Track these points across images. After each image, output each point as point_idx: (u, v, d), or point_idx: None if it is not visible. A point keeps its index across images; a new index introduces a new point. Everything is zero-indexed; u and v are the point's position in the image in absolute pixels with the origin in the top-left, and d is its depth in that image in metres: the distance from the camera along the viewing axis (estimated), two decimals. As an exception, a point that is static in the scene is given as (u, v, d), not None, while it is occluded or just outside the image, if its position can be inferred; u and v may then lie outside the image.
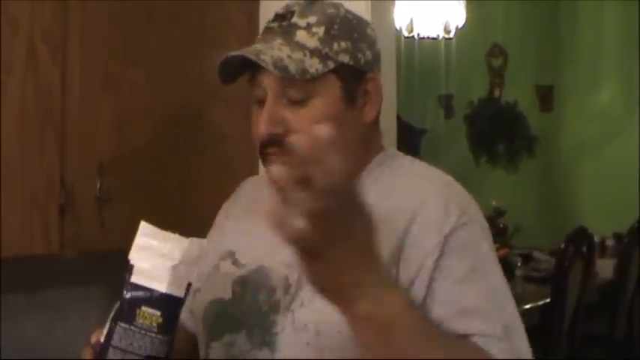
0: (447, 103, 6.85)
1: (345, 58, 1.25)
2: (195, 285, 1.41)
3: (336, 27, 1.26)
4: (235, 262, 1.35)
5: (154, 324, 1.12)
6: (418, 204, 1.21)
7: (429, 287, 1.17)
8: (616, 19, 6.02)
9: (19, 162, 1.69)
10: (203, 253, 1.22)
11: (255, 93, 1.29)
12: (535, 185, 6.32)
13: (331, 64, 1.24)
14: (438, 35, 4.98)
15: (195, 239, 1.19)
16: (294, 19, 1.26)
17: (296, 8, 1.27)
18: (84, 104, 1.79)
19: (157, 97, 1.94)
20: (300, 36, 1.25)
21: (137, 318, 1.11)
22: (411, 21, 4.86)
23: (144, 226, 1.20)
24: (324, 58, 1.24)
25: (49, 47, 1.73)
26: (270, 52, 1.23)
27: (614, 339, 4.61)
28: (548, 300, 3.80)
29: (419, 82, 6.57)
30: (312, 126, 1.17)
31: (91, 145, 1.80)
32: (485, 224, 1.27)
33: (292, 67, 1.21)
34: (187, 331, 1.45)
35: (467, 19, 4.96)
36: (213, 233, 1.48)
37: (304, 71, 1.22)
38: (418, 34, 4.95)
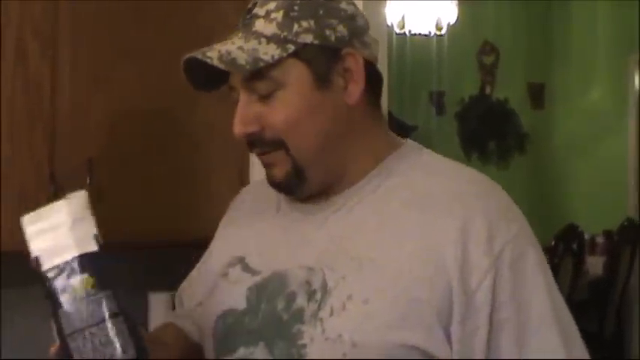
0: (438, 100, 6.85)
1: (307, 38, 1.13)
2: (198, 298, 1.33)
3: (296, 8, 1.14)
4: (246, 269, 1.21)
5: (89, 287, 1.03)
6: (461, 225, 1.09)
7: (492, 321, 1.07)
8: (607, 17, 6.04)
9: (9, 157, 1.69)
10: (88, 206, 1.11)
11: (232, 95, 1.20)
12: (526, 182, 6.33)
13: (291, 47, 1.13)
14: (430, 32, 4.99)
15: (73, 194, 1.10)
16: (255, 10, 1.17)
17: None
18: (74, 100, 1.79)
19: (147, 93, 1.93)
20: (259, 25, 1.15)
21: (72, 292, 1.02)
22: (403, 17, 4.87)
23: (25, 220, 1.09)
24: (282, 42, 1.13)
25: (39, 43, 1.73)
26: (220, 47, 1.15)
27: (603, 336, 4.63)
28: (538, 297, 3.81)
29: (410, 78, 6.57)
30: (284, 118, 1.14)
31: (81, 140, 1.80)
32: (528, 226, 1.17)
33: (242, 59, 1.12)
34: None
35: (459, 16, 4.97)
36: (216, 244, 1.36)
37: (256, 60, 1.12)
38: (410, 31, 4.95)
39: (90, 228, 1.08)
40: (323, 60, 1.15)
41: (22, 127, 1.71)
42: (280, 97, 1.14)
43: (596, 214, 5.62)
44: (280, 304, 1.13)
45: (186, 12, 2.03)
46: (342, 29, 1.16)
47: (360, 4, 1.93)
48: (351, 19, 1.18)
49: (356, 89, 1.16)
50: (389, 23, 4.71)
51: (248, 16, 1.17)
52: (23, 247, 1.08)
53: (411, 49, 6.13)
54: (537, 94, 6.36)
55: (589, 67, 6.10)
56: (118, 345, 1.02)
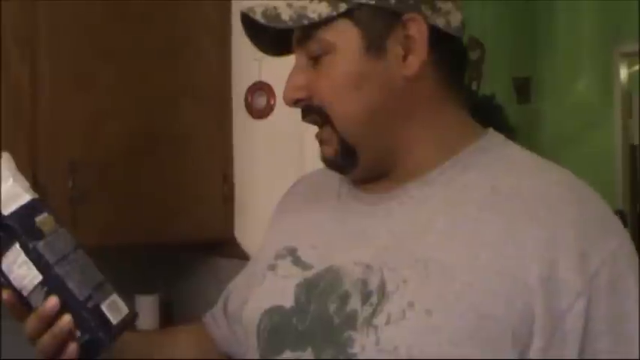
0: (424, 97, 6.86)
1: None
2: (235, 292, 1.27)
3: None
4: (297, 262, 1.09)
5: (54, 222, 1.06)
6: (548, 235, 0.93)
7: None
8: (592, 10, 6.05)
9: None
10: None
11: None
12: (514, 177, 6.34)
13: (343, 6, 0.99)
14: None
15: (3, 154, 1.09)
16: None
17: None
18: (55, 103, 1.77)
19: (128, 95, 1.92)
20: None
21: (42, 228, 1.05)
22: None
23: None
24: (335, 0, 1.00)
25: (18, 46, 1.71)
26: (269, 3, 1.02)
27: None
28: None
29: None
30: (329, 86, 1.01)
31: (63, 143, 1.78)
32: (630, 240, 0.99)
33: (286, 14, 1.00)
34: (199, 336, 1.32)
35: (443, 12, 4.95)
36: (267, 235, 1.23)
37: (301, 17, 1.00)
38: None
39: (25, 181, 1.08)
40: (379, 24, 1.00)
41: (3, 130, 1.69)
42: (328, 62, 1.02)
43: (585, 207, 5.63)
44: (332, 305, 1.00)
45: (166, 14, 2.01)
46: None
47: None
48: None
49: (415, 61, 1.00)
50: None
51: None
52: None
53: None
54: (523, 89, 6.37)
55: (575, 61, 6.11)
56: (94, 267, 1.08)
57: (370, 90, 1.01)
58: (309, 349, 0.99)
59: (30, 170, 1.72)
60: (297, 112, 1.07)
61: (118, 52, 1.91)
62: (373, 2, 0.99)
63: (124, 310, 1.10)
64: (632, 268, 0.95)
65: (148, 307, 2.18)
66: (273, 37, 1.05)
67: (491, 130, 1.10)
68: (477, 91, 6.58)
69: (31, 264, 1.03)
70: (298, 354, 1.00)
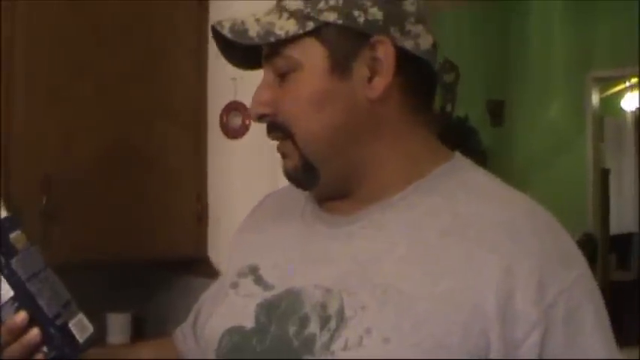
0: (399, 118, 6.90)
1: (331, 17, 0.99)
2: (204, 307, 1.25)
3: None
4: (259, 281, 1.08)
5: (25, 240, 1.08)
6: (507, 265, 0.92)
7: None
8: (565, 36, 6.14)
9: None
10: None
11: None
12: (486, 199, 6.38)
13: (310, 25, 0.99)
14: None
15: None
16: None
17: None
18: (29, 117, 1.76)
19: (103, 110, 1.91)
20: (288, 0, 1.03)
21: (16, 245, 1.06)
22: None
23: None
24: (302, 18, 1.00)
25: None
26: (238, 18, 1.03)
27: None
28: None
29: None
30: (293, 103, 1.01)
31: (37, 159, 1.77)
32: (590, 272, 0.99)
33: (253, 31, 1.00)
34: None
35: (418, 34, 4.99)
36: (233, 250, 1.22)
37: (268, 34, 1.00)
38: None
39: None
40: (346, 44, 1.00)
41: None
42: (293, 80, 1.02)
43: (556, 229, 5.68)
44: (292, 328, 0.98)
45: (142, 32, 2.01)
46: (375, 12, 1.00)
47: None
48: (392, 2, 1.01)
49: (380, 83, 1.00)
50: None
51: None
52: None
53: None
54: (497, 112, 6.42)
55: (547, 85, 6.18)
56: (63, 286, 1.10)
57: (334, 110, 1.01)
58: None
59: (3, 186, 1.71)
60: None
61: (93, 68, 1.91)
62: (340, 22, 0.99)
63: (90, 329, 1.12)
64: (591, 299, 0.95)
65: (120, 324, 2.17)
66: (244, 51, 1.04)
67: (457, 154, 1.10)
68: (452, 113, 6.64)
69: (3, 279, 1.03)
70: None
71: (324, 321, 0.96)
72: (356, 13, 0.99)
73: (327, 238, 1.05)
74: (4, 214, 1.07)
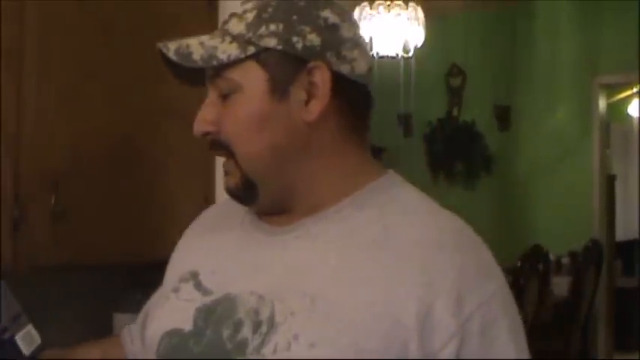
0: (406, 122, 6.90)
1: (270, 43, 1.05)
2: (147, 310, 1.32)
3: (270, 9, 1.07)
4: (198, 287, 1.14)
5: None
6: (429, 280, 0.99)
7: None
8: (571, 41, 6.14)
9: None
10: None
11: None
12: (492, 203, 6.38)
13: (251, 50, 1.05)
14: (398, 54, 5.02)
15: None
16: (237, 9, 1.11)
17: None
18: (39, 118, 1.77)
19: (112, 111, 1.92)
20: (231, 23, 1.09)
21: None
22: (371, 40, 4.90)
23: None
24: (244, 43, 1.06)
25: (5, 60, 1.71)
26: (185, 40, 1.10)
27: (568, 356, 4.66)
28: (504, 317, 3.83)
29: (378, 100, 6.58)
30: (234, 124, 1.07)
31: (46, 159, 1.78)
32: (507, 287, 1.07)
33: (197, 54, 1.07)
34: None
35: (426, 39, 5.01)
36: (174, 256, 1.29)
37: (211, 57, 1.06)
38: (377, 53, 4.98)
39: None
40: (285, 68, 1.06)
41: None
42: (235, 101, 1.08)
43: (562, 235, 5.67)
44: (226, 332, 1.05)
45: (151, 32, 2.01)
46: (313, 38, 1.06)
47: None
48: (329, 29, 1.07)
49: (317, 106, 1.06)
50: (357, 45, 4.73)
51: (230, 16, 1.11)
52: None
53: (378, 71, 6.15)
54: (503, 117, 6.43)
55: (554, 90, 6.18)
56: (13, 299, 1.13)
57: (272, 131, 1.07)
58: None
59: (12, 185, 1.72)
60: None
61: (102, 68, 1.91)
62: (280, 48, 1.05)
63: (37, 340, 1.12)
64: (506, 312, 1.03)
65: (126, 325, 2.17)
66: (190, 71, 1.10)
67: (390, 171, 1.17)
68: (458, 117, 6.64)
69: None
70: None
71: (256, 326, 1.02)
72: (295, 39, 1.05)
73: (263, 246, 1.11)
74: None
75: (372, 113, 1.15)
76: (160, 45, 1.11)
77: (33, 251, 1.76)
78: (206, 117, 1.10)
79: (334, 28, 1.08)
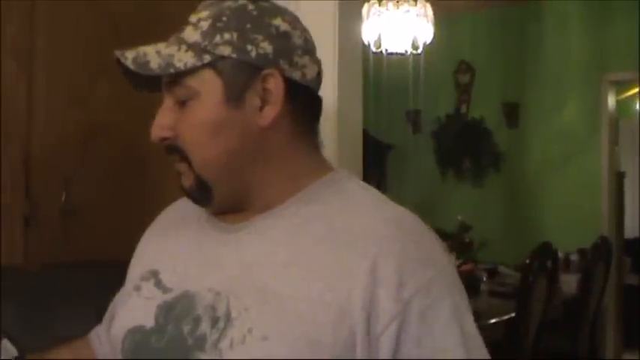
0: (414, 119, 6.90)
1: (226, 51, 1.09)
2: (112, 310, 1.36)
3: (224, 19, 1.11)
4: (159, 285, 1.19)
5: None
6: (372, 268, 1.04)
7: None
8: (581, 37, 6.12)
9: (-17, 175, 1.68)
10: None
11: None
12: (500, 201, 6.37)
13: (207, 58, 1.10)
14: (406, 51, 5.02)
15: None
16: (190, 17, 1.16)
17: (200, 7, 1.18)
18: (50, 116, 1.78)
19: (123, 110, 1.93)
20: (187, 32, 1.14)
21: None
22: (379, 37, 4.90)
23: None
24: (200, 51, 1.10)
25: (15, 59, 1.72)
26: (142, 49, 1.14)
27: (577, 354, 4.65)
28: (512, 315, 3.84)
29: (386, 97, 6.61)
30: (191, 129, 1.12)
31: (57, 157, 1.79)
32: (450, 271, 1.10)
33: (155, 63, 1.11)
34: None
35: (435, 35, 5.01)
36: (136, 255, 1.36)
37: (168, 66, 1.10)
38: (386, 50, 4.98)
39: None
40: (240, 76, 1.11)
41: (-3, 142, 1.70)
42: (192, 107, 1.12)
43: (570, 232, 5.66)
44: (186, 327, 1.09)
45: (162, 34, 2.02)
46: (266, 46, 1.10)
47: (335, 24, 1.95)
48: (281, 37, 1.12)
49: (270, 112, 1.11)
50: (365, 42, 4.74)
51: (184, 25, 1.17)
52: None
53: (387, 68, 6.18)
54: (512, 113, 6.42)
55: (563, 87, 6.17)
56: None
57: (228, 137, 1.11)
58: None
59: (23, 183, 1.73)
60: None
61: (112, 68, 1.92)
62: (234, 56, 1.10)
63: (13, 352, 1.14)
64: (448, 295, 1.06)
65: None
66: (146, 78, 1.15)
67: (339, 169, 1.22)
68: (467, 114, 6.64)
69: None
70: None
71: (214, 321, 1.07)
72: (249, 47, 1.10)
73: (219, 244, 1.16)
74: None
75: (320, 116, 1.20)
76: (118, 53, 1.16)
77: (43, 248, 1.77)
78: (163, 122, 1.15)
79: (286, 35, 1.12)
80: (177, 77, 1.11)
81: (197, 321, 1.09)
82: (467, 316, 1.07)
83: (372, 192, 1.18)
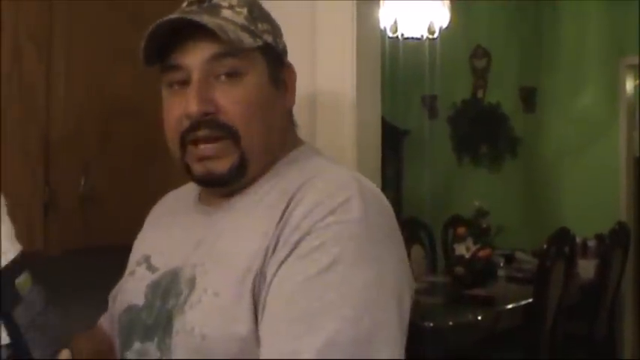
0: (430, 104, 6.87)
1: (269, 39, 1.24)
2: (114, 293, 1.43)
3: (256, 10, 1.24)
4: (150, 267, 1.28)
5: (30, 283, 1.10)
6: (284, 221, 1.11)
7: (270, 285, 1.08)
8: (598, 21, 6.07)
9: (2, 160, 1.69)
10: None
11: (173, 76, 1.22)
12: (518, 186, 6.35)
13: (259, 41, 1.21)
14: (423, 36, 5.00)
15: None
16: (215, 1, 1.22)
17: None
18: (69, 103, 1.79)
19: (141, 96, 1.93)
20: (227, 14, 1.20)
21: (20, 291, 1.07)
22: (396, 21, 4.88)
23: None
24: (252, 34, 1.20)
25: (34, 45, 1.73)
26: (209, 19, 1.16)
27: (594, 339, 4.65)
28: (530, 300, 3.83)
29: (403, 82, 6.59)
30: (243, 105, 1.17)
31: (76, 143, 1.80)
32: (353, 226, 1.08)
33: (232, 35, 1.16)
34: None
35: (451, 20, 4.98)
36: (135, 244, 1.44)
37: (240, 41, 1.17)
38: (402, 35, 4.96)
39: (10, 228, 1.12)
40: (276, 63, 1.25)
41: (16, 129, 1.71)
42: (242, 83, 1.18)
43: (588, 217, 5.64)
44: (172, 301, 1.17)
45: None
46: (283, 42, 1.29)
47: (353, 8, 1.94)
48: (281, 34, 1.30)
49: (292, 98, 1.28)
50: (382, 27, 4.72)
51: (205, 4, 1.22)
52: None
53: (403, 53, 6.16)
54: (529, 98, 6.38)
55: (580, 72, 6.13)
56: (57, 320, 1.13)
57: (273, 114, 1.22)
58: (156, 339, 1.17)
59: (42, 170, 1.74)
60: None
61: (132, 55, 1.92)
62: (274, 45, 1.24)
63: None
64: (339, 244, 1.05)
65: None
66: (156, 52, 1.24)
67: (306, 144, 1.32)
68: (483, 99, 6.60)
69: (2, 326, 1.06)
70: (147, 345, 1.18)
71: (190, 291, 1.15)
72: (278, 40, 1.26)
73: (202, 225, 1.24)
74: (11, 254, 1.08)
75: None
76: (194, 17, 1.17)
77: (63, 234, 1.78)
78: (207, 96, 1.17)
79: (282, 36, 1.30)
80: (234, 50, 1.17)
81: (179, 295, 1.17)
82: (349, 272, 1.05)
83: (333, 164, 1.26)
